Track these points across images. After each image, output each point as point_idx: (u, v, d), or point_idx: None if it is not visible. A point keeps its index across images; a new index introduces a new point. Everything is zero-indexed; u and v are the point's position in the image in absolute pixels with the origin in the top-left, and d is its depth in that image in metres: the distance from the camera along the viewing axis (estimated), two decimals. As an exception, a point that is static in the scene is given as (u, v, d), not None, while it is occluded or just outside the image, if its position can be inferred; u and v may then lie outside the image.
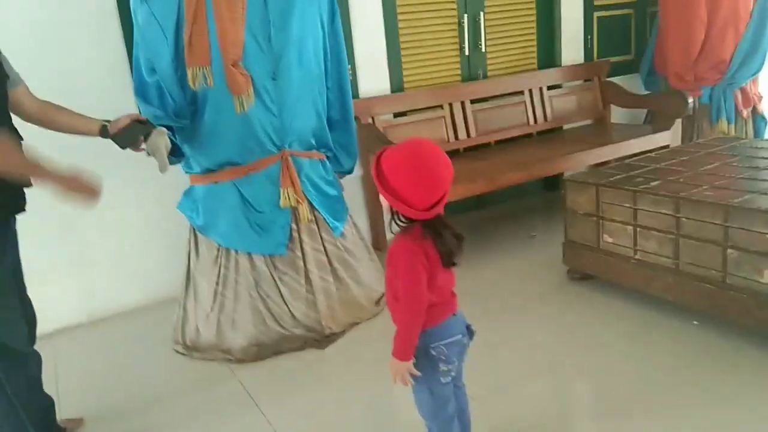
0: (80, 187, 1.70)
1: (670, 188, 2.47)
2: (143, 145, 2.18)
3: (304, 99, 2.60)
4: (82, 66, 2.89)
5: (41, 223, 2.91)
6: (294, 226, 2.61)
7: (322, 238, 2.69)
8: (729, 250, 2.22)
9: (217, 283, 2.60)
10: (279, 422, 2.10)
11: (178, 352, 2.66)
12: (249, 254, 2.57)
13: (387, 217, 1.47)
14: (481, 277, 3.13)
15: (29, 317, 1.95)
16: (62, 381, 2.50)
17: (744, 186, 2.39)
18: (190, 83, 2.36)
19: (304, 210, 2.59)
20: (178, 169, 2.68)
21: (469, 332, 1.57)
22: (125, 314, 3.15)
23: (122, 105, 2.90)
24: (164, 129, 2.24)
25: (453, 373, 1.53)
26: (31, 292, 2.00)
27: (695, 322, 2.44)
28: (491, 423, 1.95)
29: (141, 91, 2.45)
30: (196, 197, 2.64)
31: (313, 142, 2.70)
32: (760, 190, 2.30)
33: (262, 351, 2.54)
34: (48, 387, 2.06)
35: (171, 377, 2.50)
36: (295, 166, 2.59)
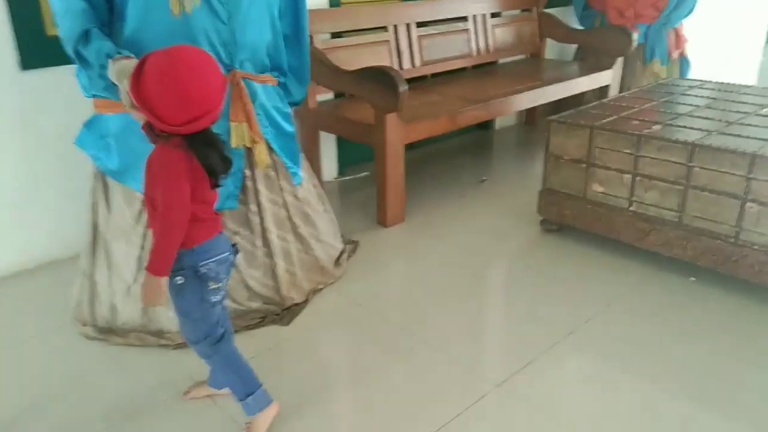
0: None
1: (677, 134, 2.24)
2: None
3: (258, 5, 1.96)
4: None
5: None
6: (248, 172, 2.03)
7: (281, 187, 2.13)
8: (749, 204, 2.05)
9: (143, 247, 1.96)
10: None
11: (87, 336, 2.01)
12: (189, 208, 1.96)
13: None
14: (444, 229, 2.76)
15: None
16: None
17: (754, 133, 2.22)
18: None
19: (261, 151, 2.00)
20: (69, 90, 1.94)
21: (234, 250, 1.51)
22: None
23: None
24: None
25: (222, 292, 1.50)
26: None
27: (692, 279, 2.29)
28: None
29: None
30: (107, 131, 1.93)
31: (268, 62, 2.09)
32: (775, 138, 2.14)
33: (208, 332, 1.98)
34: None
35: (84, 369, 1.87)
36: (249, 92, 1.98)
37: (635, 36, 3.77)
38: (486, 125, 4.32)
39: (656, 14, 4.04)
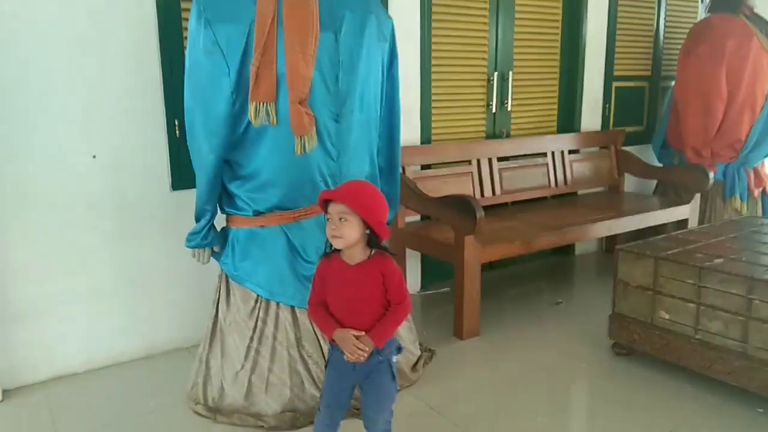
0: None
1: (737, 268, 2.40)
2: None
3: (361, 144, 2.43)
4: (112, 87, 2.66)
5: (49, 258, 2.63)
6: (341, 280, 2.40)
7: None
8: (810, 338, 2.14)
9: (252, 339, 2.34)
10: (334, 508, 1.83)
11: (197, 413, 2.36)
12: (292, 308, 2.34)
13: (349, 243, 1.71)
14: (517, 345, 2.96)
15: None
16: (65, 443, 2.17)
17: (816, 271, 2.34)
18: (252, 119, 2.16)
19: (355, 264, 2.38)
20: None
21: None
22: (125, 364, 2.82)
23: (151, 130, 2.73)
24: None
25: None
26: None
27: (760, 410, 2.32)
28: None
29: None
30: (233, 241, 2.40)
31: (366, 190, 2.52)
32: (836, 276, 2.25)
33: (298, 418, 2.27)
34: None
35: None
36: (349, 215, 2.40)
37: (712, 175, 3.96)
38: (566, 251, 4.53)
39: (734, 155, 4.23)
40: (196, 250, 2.39)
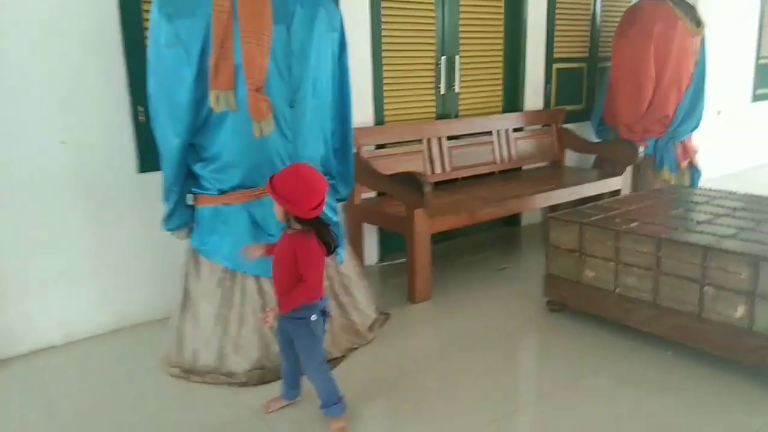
0: None
1: (649, 230, 2.74)
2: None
3: (315, 127, 2.67)
4: (78, 75, 2.82)
5: (27, 238, 2.80)
6: (301, 251, 2.65)
7: (326, 263, 2.73)
8: (706, 288, 2.49)
9: (221, 306, 2.58)
10: (298, 446, 2.11)
11: (173, 375, 2.59)
12: (256, 277, 2.58)
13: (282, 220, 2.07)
14: (464, 307, 3.27)
15: None
16: (56, 404, 2.38)
17: (714, 230, 2.69)
18: (213, 106, 2.38)
19: (312, 235, 2.63)
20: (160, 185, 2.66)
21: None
22: (101, 336, 3.02)
23: (117, 116, 2.90)
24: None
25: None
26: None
27: (669, 353, 2.69)
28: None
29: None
30: (200, 218, 2.62)
31: (320, 168, 2.76)
32: (730, 234, 2.61)
33: (265, 375, 2.53)
34: (40, 410, 2.12)
35: (172, 400, 2.44)
36: (305, 192, 2.64)
37: (641, 149, 4.33)
38: (513, 222, 4.86)
39: (663, 130, 4.61)
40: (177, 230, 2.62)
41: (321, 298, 2.13)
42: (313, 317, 2.10)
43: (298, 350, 2.18)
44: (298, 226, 2.05)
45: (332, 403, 2.18)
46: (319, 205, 2.02)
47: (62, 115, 2.81)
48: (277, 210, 2.06)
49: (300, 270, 2.03)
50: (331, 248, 2.08)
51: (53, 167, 2.81)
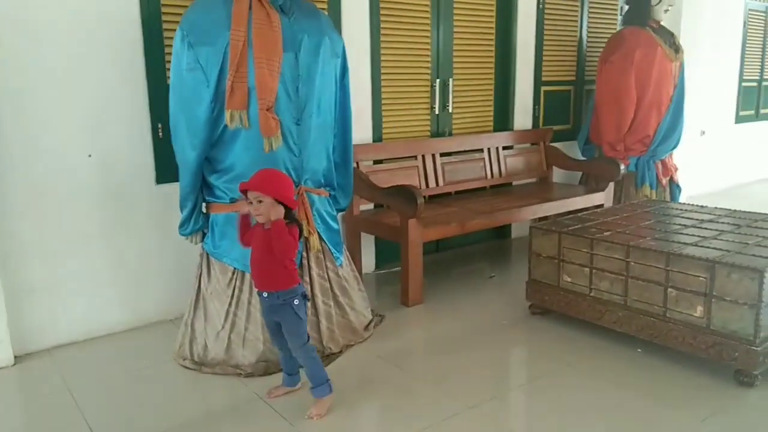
0: None
1: (620, 238, 3.01)
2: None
3: (319, 143, 2.96)
4: (105, 95, 3.12)
5: (55, 242, 3.07)
6: (304, 254, 2.92)
7: (326, 266, 3.01)
8: (669, 290, 2.76)
9: (230, 304, 2.84)
10: (297, 422, 2.36)
11: (185, 367, 2.85)
12: (263, 277, 2.85)
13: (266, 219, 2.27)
14: (453, 310, 3.54)
15: None
16: (79, 392, 2.64)
17: (679, 238, 2.97)
18: (228, 123, 2.67)
19: (314, 240, 2.92)
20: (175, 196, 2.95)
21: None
22: (119, 334, 3.29)
23: (138, 132, 3.19)
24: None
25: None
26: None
27: (639, 350, 2.94)
28: None
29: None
30: (213, 224, 2.90)
31: (323, 180, 3.05)
32: (693, 242, 2.89)
33: (269, 367, 2.79)
34: (64, 401, 2.41)
35: (185, 388, 2.70)
36: (309, 200, 2.93)
37: (623, 166, 4.62)
38: (503, 235, 5.14)
39: (644, 149, 4.91)
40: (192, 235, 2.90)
41: (299, 284, 2.38)
42: (296, 301, 2.34)
43: (286, 334, 2.39)
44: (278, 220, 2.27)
45: (319, 383, 2.41)
46: (293, 195, 2.37)
47: (91, 132, 3.10)
48: (262, 211, 2.23)
49: (279, 257, 2.26)
50: (302, 229, 2.39)
51: (80, 178, 3.10)
